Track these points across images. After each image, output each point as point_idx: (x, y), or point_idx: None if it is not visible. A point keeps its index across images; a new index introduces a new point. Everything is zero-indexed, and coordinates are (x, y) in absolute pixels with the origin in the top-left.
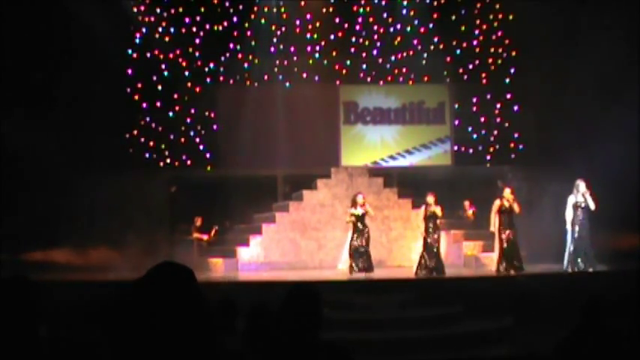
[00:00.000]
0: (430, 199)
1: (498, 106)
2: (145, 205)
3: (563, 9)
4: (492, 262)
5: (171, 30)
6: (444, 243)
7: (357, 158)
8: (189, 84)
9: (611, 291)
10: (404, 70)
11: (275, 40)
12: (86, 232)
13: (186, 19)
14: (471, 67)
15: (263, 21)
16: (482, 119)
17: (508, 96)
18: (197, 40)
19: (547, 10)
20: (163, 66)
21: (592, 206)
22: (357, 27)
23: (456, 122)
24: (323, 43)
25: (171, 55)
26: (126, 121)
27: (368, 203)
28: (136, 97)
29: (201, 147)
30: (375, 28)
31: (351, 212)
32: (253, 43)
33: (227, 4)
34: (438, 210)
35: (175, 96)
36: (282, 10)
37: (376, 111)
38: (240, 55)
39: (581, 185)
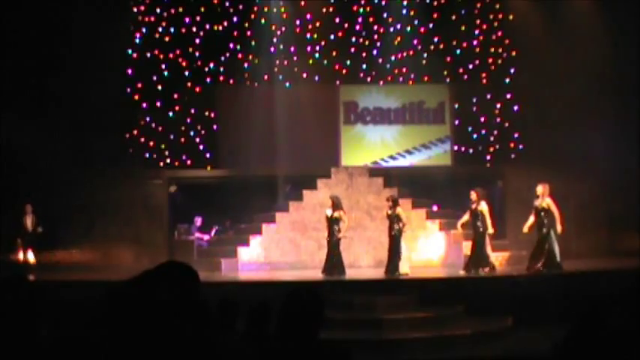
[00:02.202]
0: (389, 202)
1: (498, 106)
2: (145, 205)
3: (564, 8)
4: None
5: (172, 30)
6: (444, 243)
7: (357, 158)
8: (189, 84)
9: (611, 291)
10: (404, 70)
11: (275, 40)
12: (86, 231)
13: (186, 19)
14: (471, 67)
15: (263, 21)
16: (483, 119)
17: (508, 96)
18: (197, 40)
19: (547, 9)
20: (163, 66)
21: (554, 210)
22: (357, 27)
23: (456, 122)
24: (323, 43)
25: (171, 55)
26: (126, 121)
27: (342, 210)
28: (136, 97)
29: (201, 147)
30: (375, 28)
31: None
32: (253, 43)
33: (227, 4)
34: (398, 212)
35: (175, 96)
36: (282, 10)
37: (376, 111)
38: (240, 55)
39: (539, 189)
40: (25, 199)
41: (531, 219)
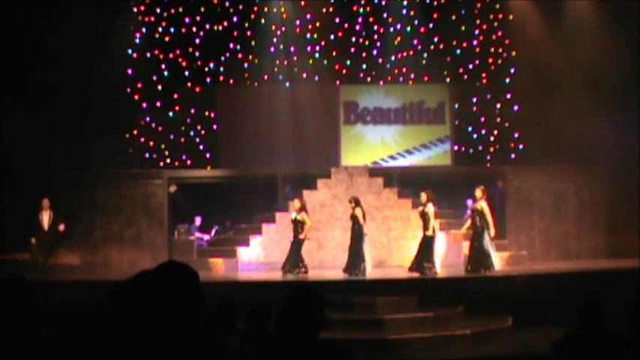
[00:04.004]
0: (351, 204)
1: (498, 105)
2: (145, 205)
3: (563, 8)
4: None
5: (172, 30)
6: (444, 243)
7: (357, 158)
8: (189, 84)
9: (611, 291)
10: (404, 70)
11: (275, 40)
12: (86, 232)
13: (187, 19)
14: (471, 67)
15: (263, 21)
16: (483, 119)
17: (508, 96)
18: (197, 40)
19: (547, 9)
20: (163, 66)
21: (486, 213)
22: (357, 27)
23: (456, 122)
24: (323, 43)
25: (171, 55)
26: (126, 121)
27: (305, 212)
28: (136, 97)
29: (201, 147)
30: (375, 28)
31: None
32: (253, 43)
33: (227, 4)
34: (358, 212)
35: (175, 96)
36: (282, 10)
37: (376, 111)
38: (240, 55)
39: (478, 192)
40: (41, 194)
41: (469, 221)
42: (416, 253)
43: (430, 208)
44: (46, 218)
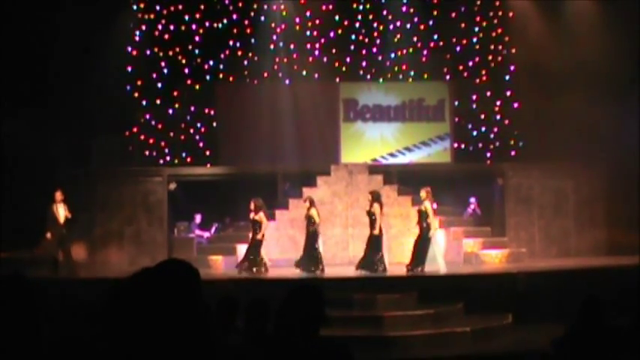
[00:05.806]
0: (306, 203)
1: (498, 103)
2: (145, 202)
3: (563, 5)
4: (492, 260)
5: (171, 27)
6: (444, 240)
7: (357, 155)
8: (188, 81)
9: (611, 289)
10: (404, 67)
11: (275, 37)
12: (86, 230)
13: (186, 17)
14: (470, 64)
15: (263, 18)
16: (482, 116)
17: (508, 93)
18: (197, 38)
19: (546, 6)
20: (163, 63)
21: (430, 214)
22: (357, 24)
23: (456, 119)
24: (323, 40)
25: (170, 53)
26: (126, 119)
27: (263, 212)
28: (136, 95)
29: (200, 144)
30: (375, 25)
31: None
32: (253, 40)
33: (227, 1)
34: (311, 213)
35: (175, 93)
36: (282, 7)
37: (376, 108)
38: (239, 53)
39: (422, 193)
40: (54, 188)
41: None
42: (364, 252)
43: (376, 209)
44: (61, 211)
